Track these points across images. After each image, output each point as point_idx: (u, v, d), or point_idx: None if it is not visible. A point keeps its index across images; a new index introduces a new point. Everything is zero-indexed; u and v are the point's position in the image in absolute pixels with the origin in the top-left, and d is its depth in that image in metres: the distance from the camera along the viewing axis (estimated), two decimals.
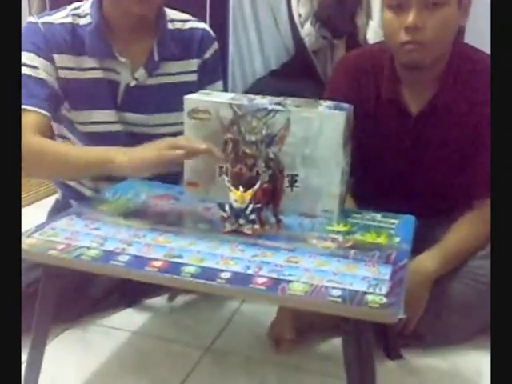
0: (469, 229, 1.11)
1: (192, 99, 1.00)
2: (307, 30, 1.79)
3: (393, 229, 0.92)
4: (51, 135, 1.19)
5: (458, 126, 1.13)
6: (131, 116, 1.19)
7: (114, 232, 0.87)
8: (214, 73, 1.26)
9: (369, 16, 1.73)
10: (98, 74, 1.15)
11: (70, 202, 1.31)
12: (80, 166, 0.99)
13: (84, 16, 1.15)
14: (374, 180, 1.23)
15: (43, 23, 1.13)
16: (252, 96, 1.01)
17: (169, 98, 1.18)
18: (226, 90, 1.90)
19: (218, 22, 1.85)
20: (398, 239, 0.88)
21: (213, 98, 1.00)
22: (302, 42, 1.81)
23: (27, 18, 1.16)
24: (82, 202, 1.03)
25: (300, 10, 1.80)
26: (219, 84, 1.28)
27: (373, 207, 1.01)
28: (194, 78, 1.22)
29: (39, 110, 1.06)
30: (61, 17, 1.15)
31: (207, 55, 1.23)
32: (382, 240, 0.88)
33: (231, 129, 0.96)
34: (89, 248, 0.82)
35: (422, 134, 1.16)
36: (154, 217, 0.94)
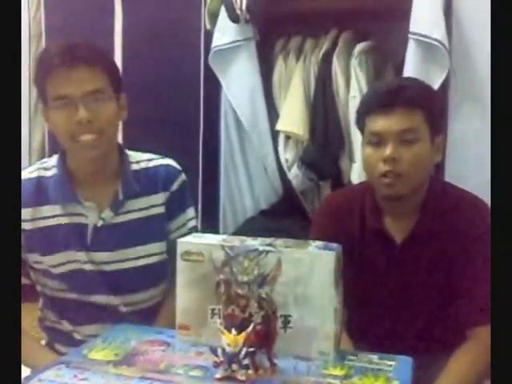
0: (466, 365, 1.07)
1: (185, 242, 1.02)
2: (294, 173, 1.89)
3: (390, 371, 0.90)
4: None
5: (443, 254, 1.16)
6: (101, 255, 1.20)
7: (103, 383, 0.84)
8: (183, 201, 1.29)
9: (352, 159, 1.84)
10: (62, 221, 1.18)
11: (56, 346, 1.26)
12: None
13: (50, 168, 1.22)
14: (366, 313, 1.21)
15: None
16: (243, 237, 1.03)
17: (137, 233, 1.21)
18: (217, 228, 1.98)
19: (210, 168, 1.97)
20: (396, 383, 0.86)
21: (205, 241, 1.02)
22: (290, 184, 1.90)
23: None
24: (72, 348, 1.00)
25: (287, 155, 1.91)
26: (190, 210, 1.30)
27: (367, 341, 0.99)
28: (161, 210, 1.25)
29: None
30: (28, 172, 1.21)
31: (174, 187, 1.26)
32: None
33: (223, 270, 0.98)
34: None
35: (408, 261, 1.18)
36: (144, 364, 0.91)
